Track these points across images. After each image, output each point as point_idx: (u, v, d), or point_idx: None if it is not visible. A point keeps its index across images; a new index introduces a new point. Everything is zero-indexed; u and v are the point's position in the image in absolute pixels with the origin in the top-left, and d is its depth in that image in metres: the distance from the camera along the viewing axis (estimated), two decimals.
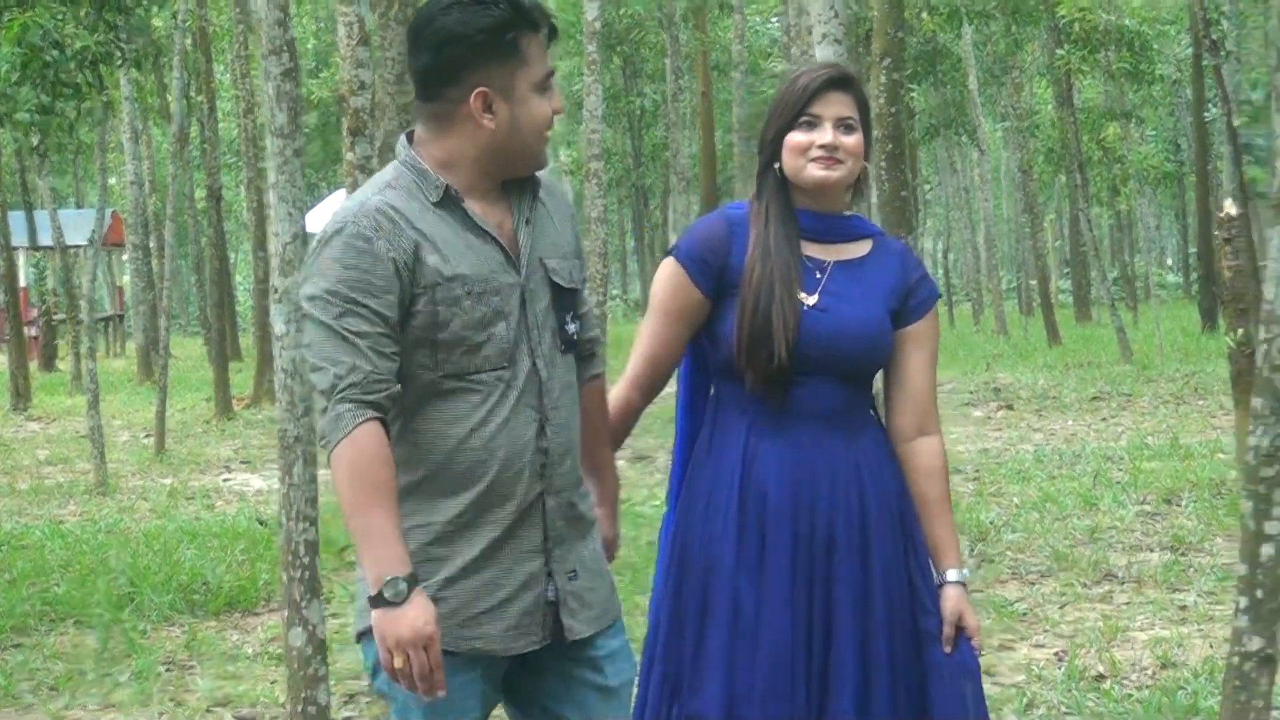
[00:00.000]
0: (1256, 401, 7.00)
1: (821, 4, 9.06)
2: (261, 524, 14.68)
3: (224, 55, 37.48)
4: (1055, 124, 42.94)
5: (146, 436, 23.27)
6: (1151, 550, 13.26)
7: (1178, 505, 15.26)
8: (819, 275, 4.74)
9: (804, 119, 4.71)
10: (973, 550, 13.23)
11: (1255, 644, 7.09)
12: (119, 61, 17.02)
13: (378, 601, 3.90)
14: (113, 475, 18.75)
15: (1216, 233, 17.90)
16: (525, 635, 4.19)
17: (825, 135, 4.68)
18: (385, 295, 3.99)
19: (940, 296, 5.15)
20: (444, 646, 4.01)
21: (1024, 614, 11.26)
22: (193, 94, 30.39)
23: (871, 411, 4.96)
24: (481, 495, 4.11)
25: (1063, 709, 9.03)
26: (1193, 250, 55.08)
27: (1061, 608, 11.37)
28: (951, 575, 4.82)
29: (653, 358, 4.84)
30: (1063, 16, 34.55)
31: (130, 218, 39.13)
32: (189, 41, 24.38)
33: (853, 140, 4.73)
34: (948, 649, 4.78)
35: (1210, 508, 14.84)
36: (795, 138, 4.71)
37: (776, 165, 4.78)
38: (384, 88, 9.25)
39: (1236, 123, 28.86)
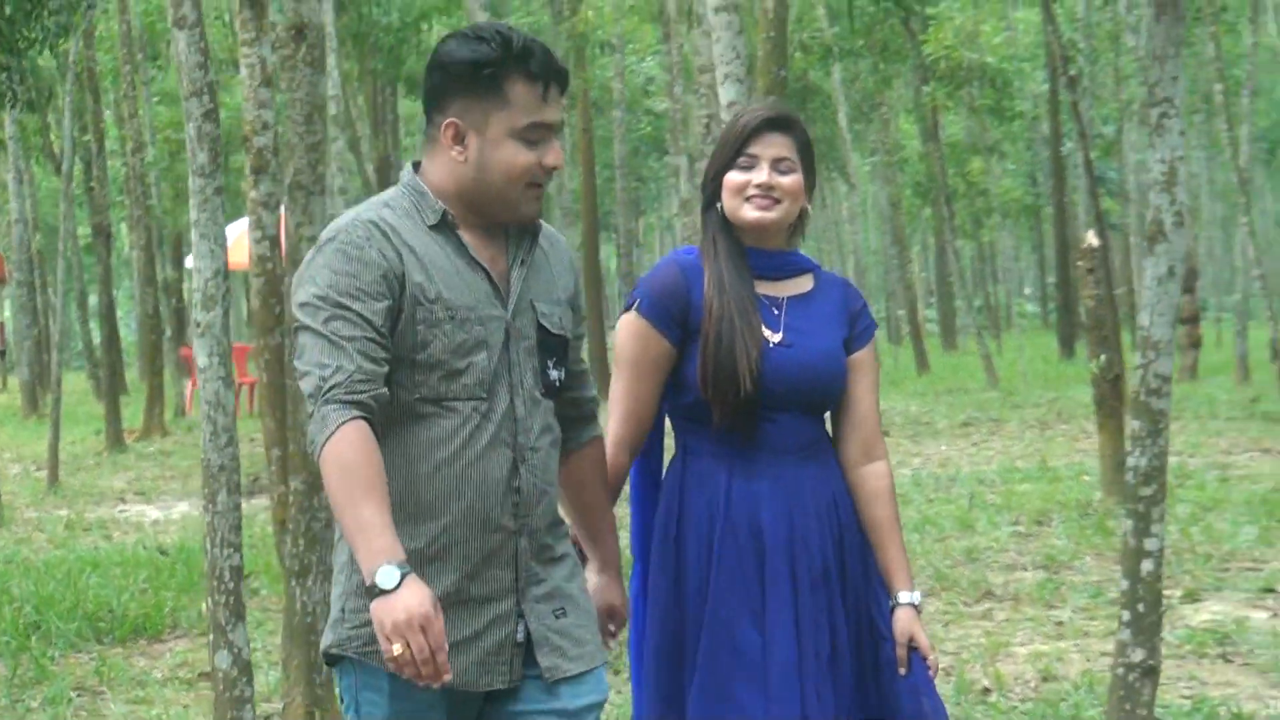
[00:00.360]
0: (1134, 424, 7.42)
1: (724, 45, 9.25)
2: (163, 553, 14.74)
3: (109, 95, 37.53)
4: (922, 158, 43.89)
5: (38, 470, 23.26)
6: (1026, 569, 13.59)
7: (1048, 525, 15.68)
8: (776, 311, 4.70)
9: (742, 159, 4.69)
10: None
11: (1138, 655, 7.77)
12: (11, 103, 16.91)
13: (373, 592, 3.77)
14: (6, 507, 18.73)
15: (1080, 263, 17.79)
16: (491, 672, 4.10)
17: (761, 175, 4.66)
18: (374, 301, 3.93)
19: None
20: (377, 664, 3.98)
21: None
22: (78, 134, 30.59)
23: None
24: (450, 527, 4.02)
25: None
26: (1050, 280, 56.12)
27: (945, 625, 11.64)
28: (903, 598, 4.80)
29: (634, 415, 4.76)
30: (929, 55, 35.25)
31: (14, 255, 39.21)
32: (75, 82, 24.58)
33: (789, 181, 4.70)
34: (902, 670, 4.78)
35: (1079, 527, 15.22)
36: (733, 177, 4.69)
37: (718, 204, 4.77)
38: (293, 128, 9.11)
39: (1092, 155, 29.73)
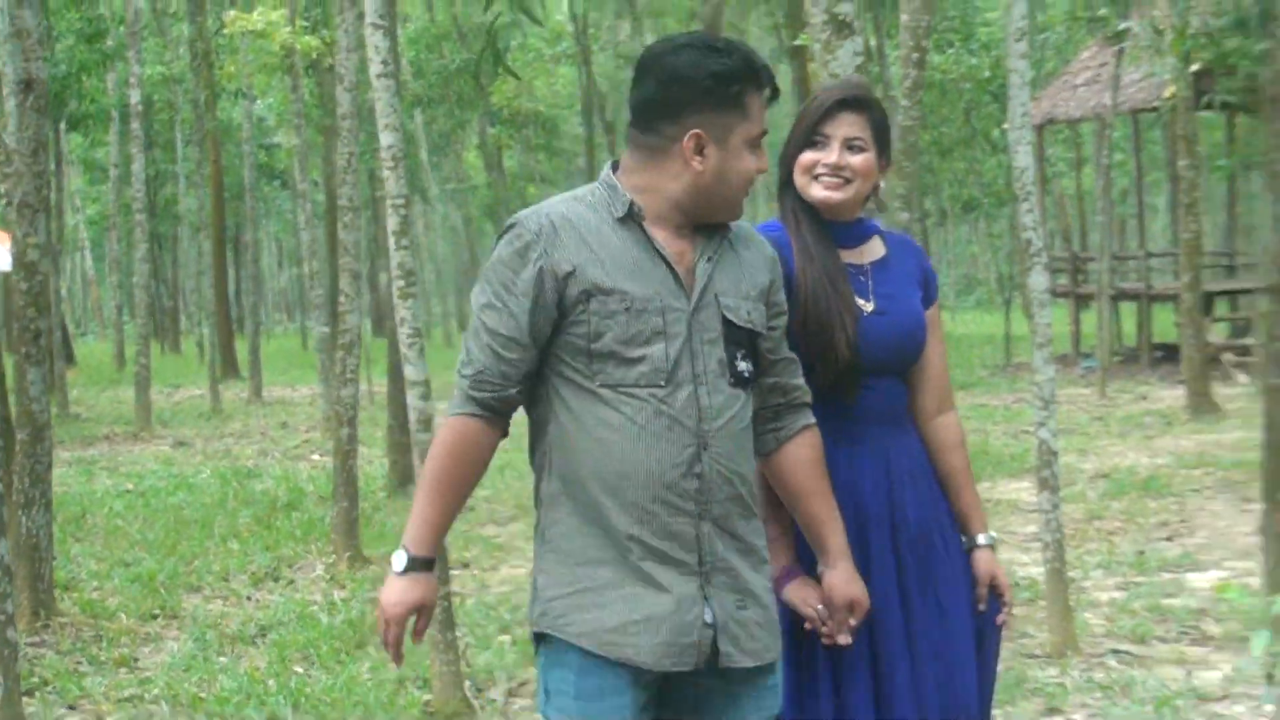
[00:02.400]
0: None
1: (384, 104, 8.18)
2: None
3: None
4: (489, 186, 46.09)
5: None
6: None
7: None
8: (864, 279, 4.39)
9: (815, 138, 4.34)
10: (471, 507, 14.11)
11: None
12: None
13: (391, 569, 3.75)
14: None
15: None
16: (676, 656, 3.74)
17: (831, 155, 4.31)
18: (522, 298, 3.67)
19: None
20: (596, 651, 3.72)
21: (501, 545, 13.00)
22: None
23: None
24: (631, 507, 3.70)
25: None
26: None
27: (527, 540, 11.62)
28: (981, 539, 4.52)
29: None
30: (495, 104, 38.03)
31: None
32: None
33: (860, 160, 4.33)
34: (982, 607, 4.48)
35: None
36: (805, 156, 4.35)
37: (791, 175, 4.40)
38: (21, 159, 9.44)
39: None
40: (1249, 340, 26.01)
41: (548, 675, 3.81)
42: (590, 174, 43.69)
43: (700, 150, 3.76)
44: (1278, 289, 8.38)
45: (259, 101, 39.05)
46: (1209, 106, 24.00)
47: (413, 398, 8.17)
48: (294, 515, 14.36)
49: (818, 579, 4.22)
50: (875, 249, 4.50)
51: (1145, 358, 29.24)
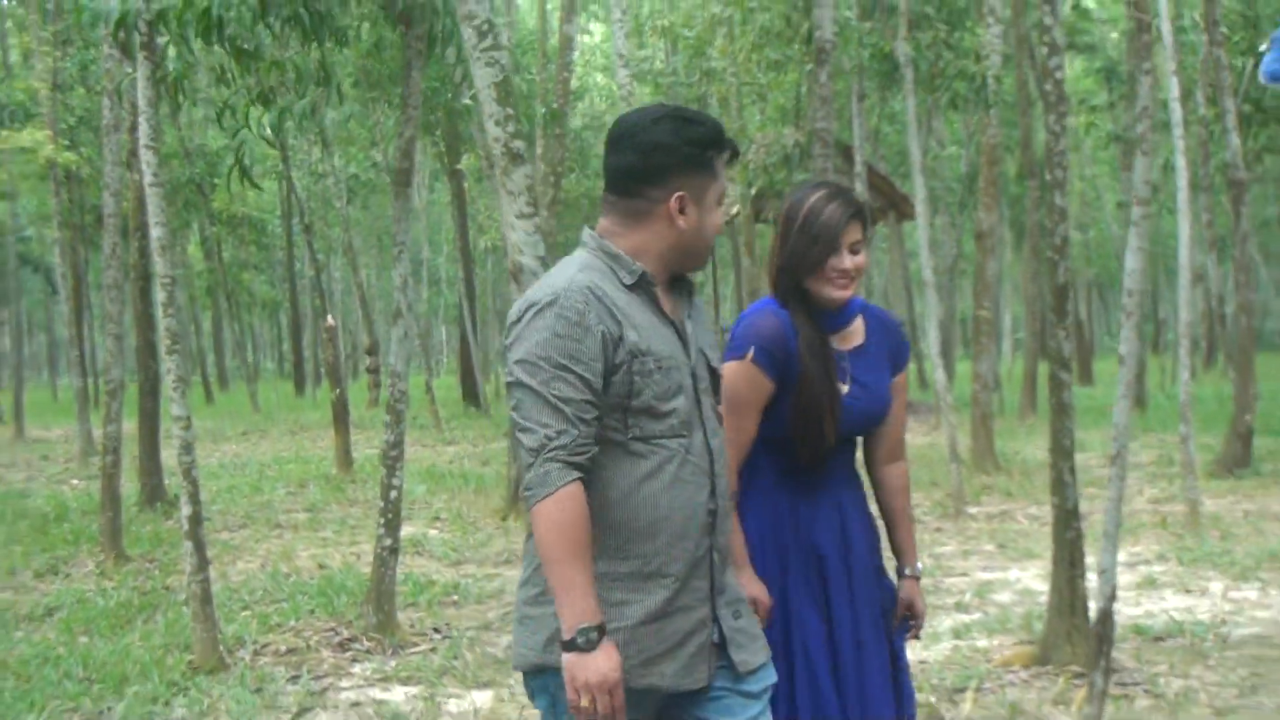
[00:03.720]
0: (386, 418, 10.63)
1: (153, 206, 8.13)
2: None
3: None
4: (210, 272, 44.68)
5: None
6: (295, 511, 14.75)
7: (307, 487, 16.93)
8: (844, 364, 4.09)
9: (834, 249, 4.02)
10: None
11: (388, 541, 8.59)
12: None
13: (570, 646, 3.21)
14: None
15: (325, 334, 19.52)
16: (692, 674, 3.45)
17: (844, 262, 4.00)
18: (592, 363, 3.24)
19: None
20: (626, 685, 3.31)
21: (235, 546, 12.54)
22: None
23: None
24: (664, 547, 3.37)
25: (263, 593, 10.08)
26: (285, 347, 57.96)
27: (257, 541, 12.73)
28: (908, 571, 4.26)
29: (743, 447, 4.05)
30: (216, 208, 37.12)
31: None
32: None
33: (861, 259, 4.05)
34: (897, 623, 4.27)
35: (326, 488, 16.59)
36: (835, 266, 4.03)
37: (804, 282, 4.07)
38: None
39: (315, 270, 33.60)
40: None
41: (562, 701, 3.32)
42: (289, 264, 45.18)
43: (683, 210, 3.44)
44: None
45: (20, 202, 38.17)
46: (764, 220, 24.70)
47: (177, 429, 8.13)
48: (64, 525, 13.94)
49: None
50: (857, 333, 4.18)
51: None
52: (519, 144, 6.13)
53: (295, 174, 37.60)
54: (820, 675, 4.08)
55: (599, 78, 39.38)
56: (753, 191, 21.32)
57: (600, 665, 3.20)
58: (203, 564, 8.03)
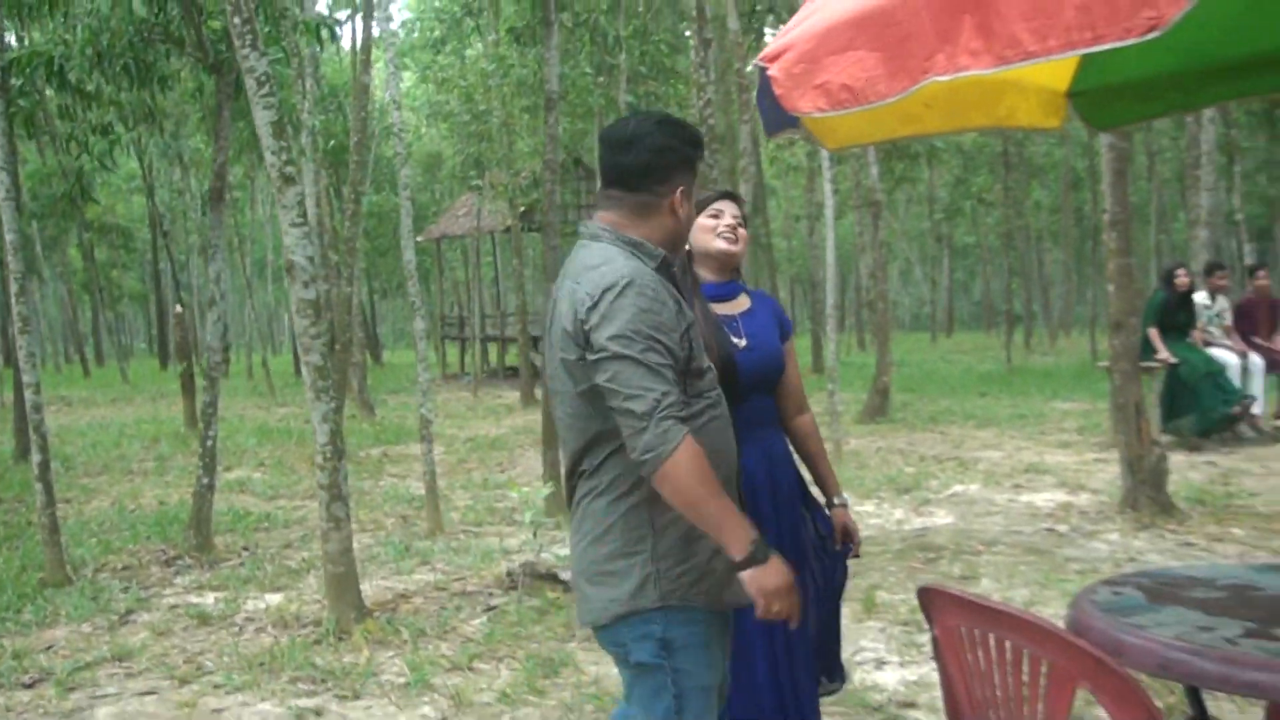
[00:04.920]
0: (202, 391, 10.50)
1: (8, 220, 9.72)
2: None
3: None
4: (85, 270, 42.83)
5: None
6: (146, 461, 14.41)
7: (159, 442, 16.29)
8: (736, 324, 3.89)
9: (709, 212, 3.89)
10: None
11: (205, 480, 8.51)
12: None
13: (749, 563, 2.84)
14: None
15: (176, 316, 19.79)
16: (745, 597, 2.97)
17: (728, 219, 3.88)
18: (671, 333, 2.91)
19: None
20: (712, 608, 3.01)
21: (93, 489, 12.09)
22: None
23: None
24: (724, 481, 2.98)
25: (109, 524, 9.87)
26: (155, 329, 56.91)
27: (111, 485, 12.44)
28: (837, 500, 4.01)
29: None
30: (90, 217, 35.97)
31: None
32: None
33: (733, 223, 3.91)
34: (838, 548, 4.01)
35: (175, 443, 16.05)
36: (704, 222, 3.88)
37: (686, 247, 3.63)
38: None
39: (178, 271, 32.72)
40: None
41: (672, 631, 2.96)
42: (154, 263, 43.55)
43: (681, 203, 3.13)
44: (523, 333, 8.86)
45: None
46: (531, 230, 24.97)
47: (29, 394, 8.12)
48: None
49: None
50: (742, 303, 3.97)
51: (501, 374, 29.60)
52: (291, 169, 6.22)
53: (159, 191, 36.81)
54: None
55: (409, 115, 39.14)
56: (520, 209, 21.57)
57: (779, 569, 2.88)
58: (50, 501, 7.91)
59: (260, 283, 46.85)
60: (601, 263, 2.96)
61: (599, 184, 3.14)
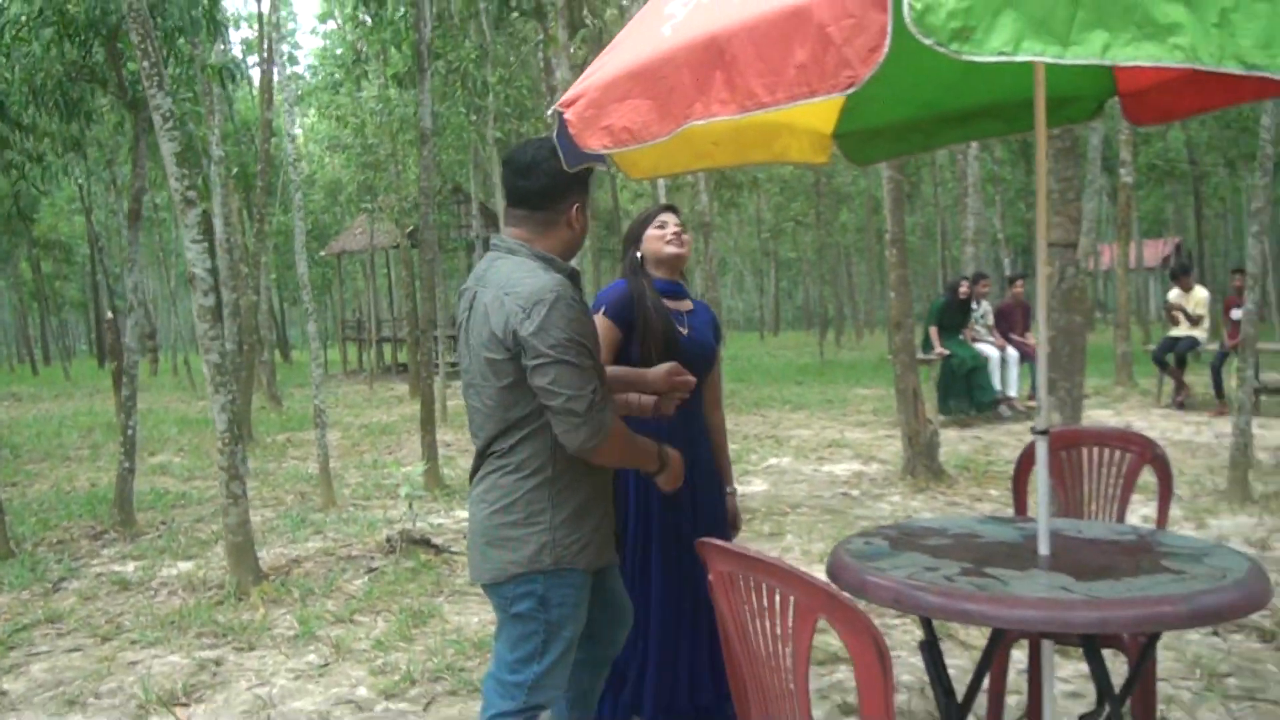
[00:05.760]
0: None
1: None
2: None
3: None
4: (33, 280, 42.08)
5: None
6: (82, 449, 13.95)
7: (93, 432, 15.66)
8: (682, 316, 3.77)
9: (655, 223, 3.77)
10: None
11: (126, 464, 8.25)
12: None
13: (661, 469, 3.05)
14: None
15: (108, 324, 18.62)
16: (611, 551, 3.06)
17: (673, 227, 3.77)
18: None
19: None
20: (588, 569, 2.96)
21: (34, 474, 11.83)
22: None
23: None
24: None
25: (48, 504, 9.59)
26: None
27: (51, 470, 12.14)
28: (730, 489, 3.92)
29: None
30: (36, 235, 35.76)
31: None
32: None
33: (678, 230, 3.81)
34: (733, 532, 3.90)
35: (107, 432, 15.50)
36: (654, 231, 3.76)
37: (638, 253, 3.78)
38: None
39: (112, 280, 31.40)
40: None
41: (551, 593, 2.91)
42: (93, 275, 41.44)
43: (577, 216, 3.03)
44: (411, 334, 8.75)
45: None
46: (414, 246, 24.66)
47: None
48: None
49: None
50: (686, 304, 3.83)
51: (394, 370, 29.14)
52: (192, 193, 6.04)
53: (96, 211, 35.47)
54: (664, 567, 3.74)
55: (314, 147, 38.35)
56: (407, 230, 21.36)
57: (674, 457, 3.07)
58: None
59: (184, 291, 45.49)
60: (526, 275, 2.86)
61: (503, 203, 3.06)
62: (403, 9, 12.70)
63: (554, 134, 2.74)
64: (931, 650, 2.97)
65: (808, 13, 1.84)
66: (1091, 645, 2.81)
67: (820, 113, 3.87)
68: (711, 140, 3.58)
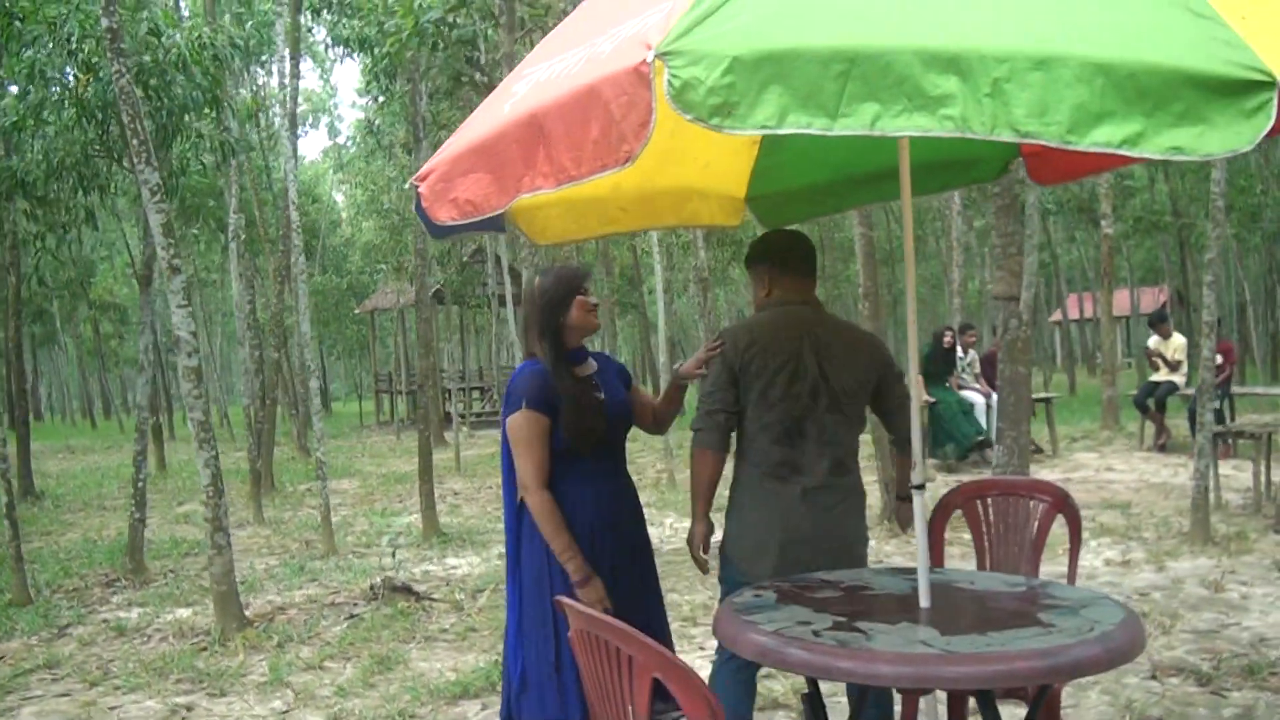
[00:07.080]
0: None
1: None
2: None
3: None
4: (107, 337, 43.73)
5: None
6: (119, 499, 13.35)
7: None
8: (594, 381, 3.48)
9: (582, 292, 3.39)
10: None
11: (138, 515, 8.53)
12: None
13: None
14: None
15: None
16: None
17: (593, 298, 3.47)
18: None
19: None
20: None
21: (69, 523, 12.11)
22: None
23: None
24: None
25: (74, 553, 9.67)
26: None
27: (86, 519, 12.22)
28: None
29: (541, 466, 3.23)
30: (93, 297, 36.43)
31: None
32: None
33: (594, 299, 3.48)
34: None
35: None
36: (584, 300, 3.42)
37: (561, 322, 3.41)
38: None
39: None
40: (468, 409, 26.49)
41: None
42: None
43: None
44: (435, 387, 8.77)
45: None
46: (442, 304, 24.80)
47: None
48: None
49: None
50: (590, 367, 3.54)
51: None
52: (178, 261, 6.08)
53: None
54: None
55: (351, 211, 38.79)
56: (434, 288, 21.28)
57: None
58: (15, 535, 7.56)
59: (228, 346, 45.97)
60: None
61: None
62: (398, 85, 12.87)
63: (414, 207, 2.71)
64: (813, 703, 2.86)
65: (599, 91, 1.83)
66: (986, 696, 2.70)
67: (731, 176, 3.83)
68: (619, 206, 3.56)
